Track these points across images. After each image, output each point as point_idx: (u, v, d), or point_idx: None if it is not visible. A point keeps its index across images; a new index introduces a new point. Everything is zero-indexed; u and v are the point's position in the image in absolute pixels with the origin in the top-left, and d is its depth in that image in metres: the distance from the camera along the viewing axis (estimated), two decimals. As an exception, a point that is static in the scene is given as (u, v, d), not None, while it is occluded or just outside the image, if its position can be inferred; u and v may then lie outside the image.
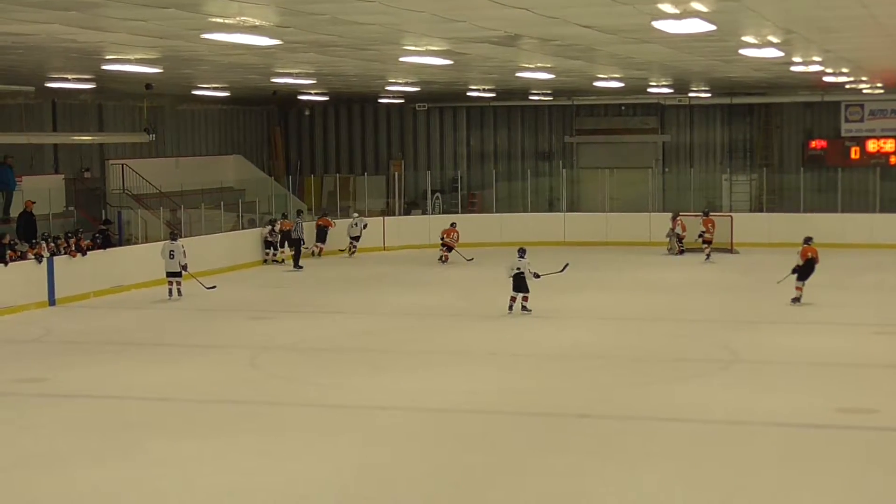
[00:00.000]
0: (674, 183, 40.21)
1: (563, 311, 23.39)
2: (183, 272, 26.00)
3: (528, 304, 22.85)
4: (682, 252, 33.78)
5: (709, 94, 38.98)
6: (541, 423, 14.66)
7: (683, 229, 33.84)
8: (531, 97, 39.79)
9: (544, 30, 17.71)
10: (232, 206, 34.20)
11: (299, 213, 34.69)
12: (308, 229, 33.69)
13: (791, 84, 34.36)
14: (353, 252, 34.87)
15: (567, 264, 24.48)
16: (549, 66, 25.31)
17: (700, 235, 33.06)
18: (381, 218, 36.85)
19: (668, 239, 34.50)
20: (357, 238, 34.98)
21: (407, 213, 39.89)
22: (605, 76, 29.53)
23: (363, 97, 39.60)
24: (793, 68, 25.67)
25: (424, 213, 39.44)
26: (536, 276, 22.81)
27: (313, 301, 26.17)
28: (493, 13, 14.92)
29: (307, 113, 44.18)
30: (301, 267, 31.73)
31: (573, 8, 14.99)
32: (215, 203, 33.52)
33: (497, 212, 38.86)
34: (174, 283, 26.00)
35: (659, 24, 15.30)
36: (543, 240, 36.05)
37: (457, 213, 38.70)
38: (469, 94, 36.91)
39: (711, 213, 34.14)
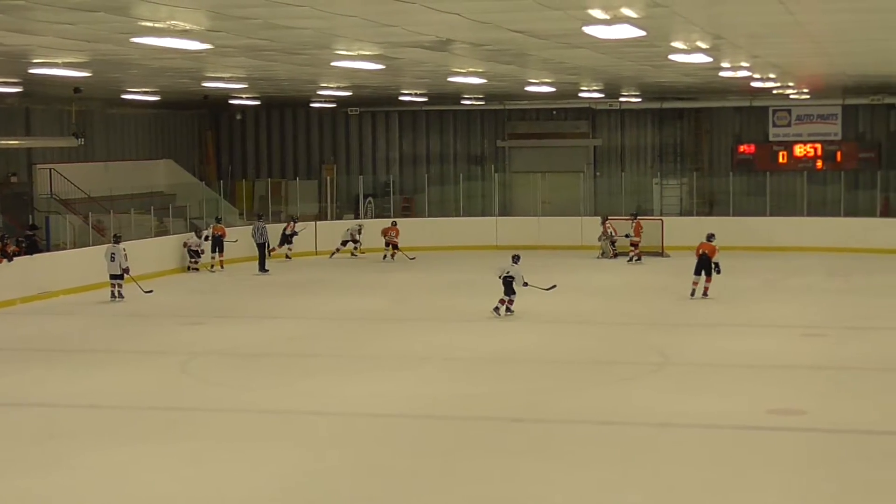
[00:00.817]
0: (605, 187, 40.50)
1: (494, 315, 23.45)
2: (125, 275, 25.93)
3: (512, 307, 23.10)
4: (615, 255, 33.99)
5: (639, 99, 39.27)
6: (478, 426, 14.66)
7: (615, 232, 34.08)
8: (463, 102, 39.83)
9: (476, 34, 17.75)
10: (162, 210, 33.91)
11: (259, 216, 34.30)
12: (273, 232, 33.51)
13: (720, 89, 34.73)
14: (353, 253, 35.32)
15: (554, 286, 24.46)
16: (481, 70, 25.38)
17: (626, 236, 33.38)
18: (314, 222, 36.70)
19: (600, 243, 34.70)
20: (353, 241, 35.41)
21: (339, 217, 39.78)
22: (537, 81, 29.66)
23: (295, 101, 39.45)
24: (721, 73, 25.93)
25: (357, 217, 39.35)
26: (525, 284, 23.11)
27: (247, 306, 26.00)
28: (425, 18, 14.93)
29: (239, 117, 43.92)
30: (267, 270, 31.63)
31: (504, 13, 15.04)
32: (145, 208, 33.22)
33: (430, 216, 38.90)
34: (116, 286, 25.96)
35: (589, 30, 15.38)
36: (476, 244, 36.16)
37: (389, 217, 38.65)
38: (401, 98, 36.90)
39: (640, 217, 34.43)
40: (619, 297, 26.63)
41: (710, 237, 25.71)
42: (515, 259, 23.43)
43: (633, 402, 15.75)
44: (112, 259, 25.98)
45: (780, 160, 39.86)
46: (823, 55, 23.17)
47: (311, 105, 40.62)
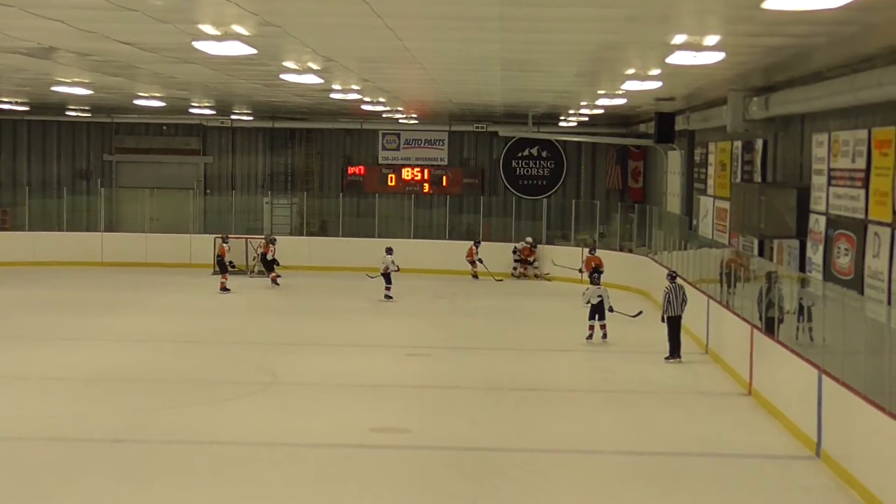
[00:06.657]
0: (216, 205, 40.08)
1: (99, 333, 22.72)
2: None
3: (605, 333, 22.95)
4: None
5: (251, 118, 39.23)
6: (73, 448, 14.11)
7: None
8: (68, 113, 38.44)
9: (81, 44, 17.14)
10: None
11: None
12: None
13: (332, 111, 35.20)
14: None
15: (640, 312, 24.15)
16: (87, 81, 24.52)
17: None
18: None
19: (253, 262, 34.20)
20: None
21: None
22: (146, 94, 29.01)
23: None
24: (333, 95, 26.25)
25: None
26: (611, 309, 22.87)
27: None
28: (25, 23, 14.24)
29: None
30: None
31: (111, 23, 14.56)
32: None
33: (30, 230, 37.16)
34: None
35: (199, 45, 15.18)
36: (80, 260, 34.95)
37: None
38: None
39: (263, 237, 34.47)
40: (227, 316, 26.34)
41: (592, 250, 30.98)
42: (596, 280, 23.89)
43: (239, 421, 15.64)
44: None
45: (389, 183, 40.81)
46: (431, 82, 23.90)
47: None
